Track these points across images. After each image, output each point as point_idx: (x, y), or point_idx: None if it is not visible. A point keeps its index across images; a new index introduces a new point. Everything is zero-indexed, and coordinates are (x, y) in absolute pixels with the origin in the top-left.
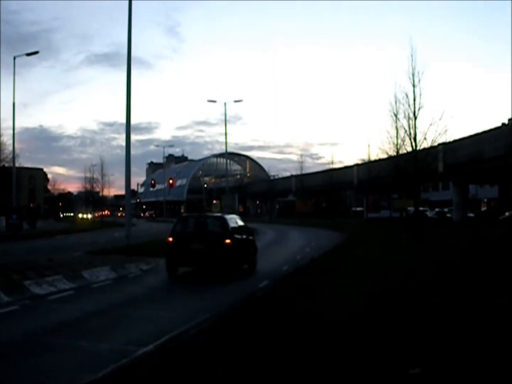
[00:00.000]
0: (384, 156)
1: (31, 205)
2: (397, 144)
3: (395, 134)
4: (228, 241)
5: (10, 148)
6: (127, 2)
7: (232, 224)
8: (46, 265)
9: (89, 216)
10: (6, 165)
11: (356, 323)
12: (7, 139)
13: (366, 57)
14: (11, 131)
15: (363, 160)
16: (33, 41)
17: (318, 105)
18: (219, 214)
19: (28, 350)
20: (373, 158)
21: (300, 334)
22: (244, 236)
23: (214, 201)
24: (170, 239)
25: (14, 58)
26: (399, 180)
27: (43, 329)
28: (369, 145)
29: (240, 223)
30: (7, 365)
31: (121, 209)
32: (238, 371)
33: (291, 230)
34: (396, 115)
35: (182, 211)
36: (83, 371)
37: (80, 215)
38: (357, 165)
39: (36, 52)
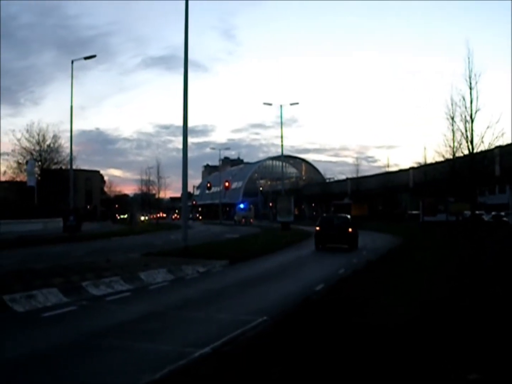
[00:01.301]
0: (440, 159)
1: (88, 206)
2: (453, 147)
3: (452, 137)
4: (350, 230)
5: (68, 150)
6: (183, 6)
7: (350, 220)
8: (103, 267)
9: (146, 218)
10: (64, 167)
11: (410, 327)
12: (64, 142)
13: (422, 60)
14: (69, 134)
15: (419, 163)
16: (90, 45)
17: (374, 108)
18: (343, 215)
19: (86, 350)
20: (429, 161)
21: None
22: (354, 228)
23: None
24: (318, 228)
25: (72, 62)
26: (455, 183)
27: (100, 329)
28: (425, 148)
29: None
30: (66, 365)
31: (176, 211)
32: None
33: None
34: (452, 118)
35: None
36: (140, 372)
37: (141, 217)
38: (413, 168)
39: (94, 56)
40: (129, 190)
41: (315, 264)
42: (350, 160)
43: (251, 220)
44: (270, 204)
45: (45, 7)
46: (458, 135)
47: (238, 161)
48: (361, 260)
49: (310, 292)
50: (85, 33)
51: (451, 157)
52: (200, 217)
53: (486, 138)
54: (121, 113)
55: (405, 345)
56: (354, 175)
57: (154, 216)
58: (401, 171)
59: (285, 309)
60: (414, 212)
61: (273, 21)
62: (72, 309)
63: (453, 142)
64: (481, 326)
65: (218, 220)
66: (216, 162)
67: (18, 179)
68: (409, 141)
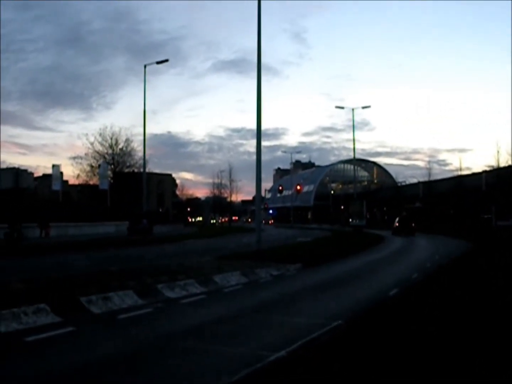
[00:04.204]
0: None
1: (160, 209)
2: None
3: None
4: (413, 225)
5: (140, 154)
6: (253, 10)
7: (413, 220)
8: (177, 270)
9: (218, 221)
10: (136, 170)
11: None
12: (137, 145)
13: (495, 62)
14: (141, 138)
15: (492, 166)
16: (161, 49)
17: (445, 111)
18: (409, 217)
19: (163, 352)
20: (502, 164)
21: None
22: (415, 225)
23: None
24: (397, 224)
25: (145, 67)
26: None
27: (176, 332)
28: (498, 151)
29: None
30: (145, 367)
31: (248, 214)
32: None
33: (417, 238)
34: None
35: (309, 217)
36: (217, 374)
37: (212, 221)
38: (485, 171)
39: (166, 60)
40: (201, 193)
41: (388, 268)
42: (422, 164)
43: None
44: (342, 208)
45: (117, 12)
46: None
47: (309, 165)
48: (434, 265)
49: (384, 297)
50: (156, 37)
51: None
52: (271, 221)
53: None
54: (193, 116)
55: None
56: (426, 179)
57: (226, 219)
58: (473, 174)
59: (360, 314)
60: (486, 216)
61: (343, 23)
62: (148, 311)
63: None
64: None
65: (289, 224)
66: (287, 166)
67: (91, 182)
68: (481, 144)
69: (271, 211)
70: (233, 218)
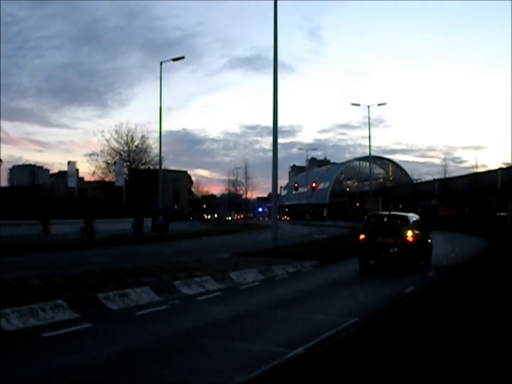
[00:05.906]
0: None
1: (175, 206)
2: None
3: None
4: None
5: (156, 151)
6: (269, 6)
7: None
8: (194, 266)
9: (233, 218)
10: (152, 167)
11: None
12: (152, 142)
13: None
14: (156, 134)
15: (508, 163)
16: (176, 46)
17: (461, 108)
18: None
19: (181, 348)
20: None
21: None
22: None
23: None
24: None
25: (161, 64)
26: None
27: (193, 328)
28: None
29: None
30: (162, 364)
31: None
32: None
33: (433, 235)
34: None
35: (324, 214)
36: (235, 371)
37: (228, 218)
38: (501, 169)
39: (182, 57)
40: (216, 190)
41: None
42: (437, 161)
43: (266, 219)
44: (357, 205)
45: (132, 9)
46: None
47: (324, 162)
48: (451, 262)
49: (400, 294)
50: (171, 34)
51: None
52: (288, 218)
53: None
54: (208, 113)
55: None
56: (441, 176)
57: (242, 216)
58: (489, 171)
59: (376, 311)
60: (502, 213)
61: (358, 20)
62: (165, 307)
63: None
64: None
65: (305, 221)
66: (302, 163)
67: (107, 179)
68: (497, 141)
69: (260, 209)
70: (249, 215)
